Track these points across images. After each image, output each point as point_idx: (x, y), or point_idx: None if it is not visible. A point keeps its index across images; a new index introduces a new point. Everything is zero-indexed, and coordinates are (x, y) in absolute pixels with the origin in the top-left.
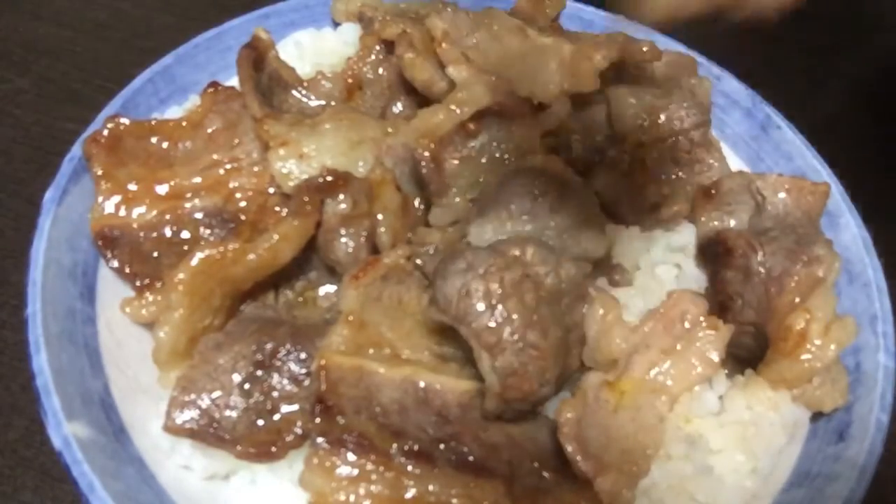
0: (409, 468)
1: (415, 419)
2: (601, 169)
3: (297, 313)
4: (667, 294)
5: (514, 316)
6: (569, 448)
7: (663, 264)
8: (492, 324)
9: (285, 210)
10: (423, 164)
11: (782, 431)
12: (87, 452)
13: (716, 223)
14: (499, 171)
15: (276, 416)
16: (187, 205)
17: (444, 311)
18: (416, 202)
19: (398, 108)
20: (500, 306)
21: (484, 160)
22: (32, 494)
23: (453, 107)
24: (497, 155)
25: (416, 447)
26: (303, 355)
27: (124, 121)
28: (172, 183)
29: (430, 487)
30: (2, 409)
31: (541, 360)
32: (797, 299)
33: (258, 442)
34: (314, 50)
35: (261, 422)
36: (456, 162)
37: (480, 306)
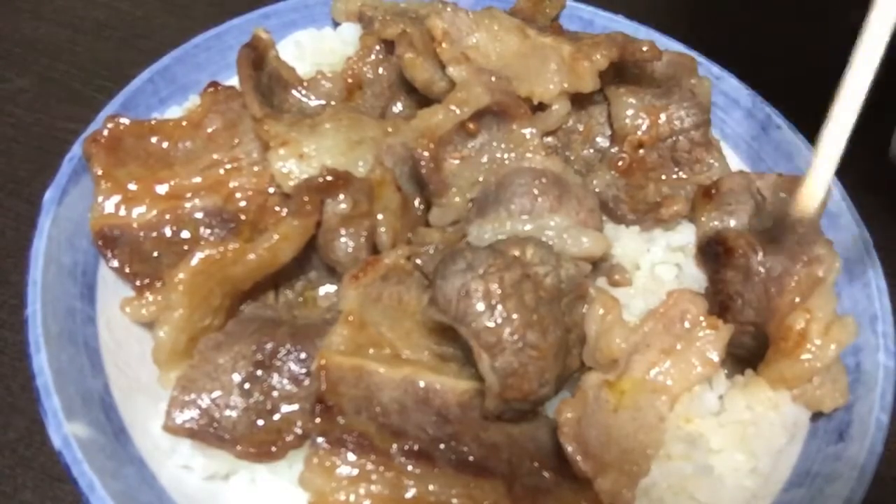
0: (410, 468)
1: (415, 419)
2: (601, 168)
3: (297, 313)
4: (667, 294)
5: (514, 316)
6: (569, 448)
7: (663, 264)
8: (491, 324)
9: (285, 210)
10: (423, 163)
11: (782, 431)
12: (87, 452)
13: (716, 223)
14: (499, 171)
15: (276, 416)
16: (187, 205)
17: (444, 311)
18: (416, 202)
19: (398, 108)
20: (499, 306)
21: (484, 160)
22: (32, 494)
23: (453, 107)
24: (497, 155)
25: (416, 447)
26: (303, 355)
27: (124, 121)
28: (172, 183)
29: (430, 487)
30: (2, 409)
31: (540, 360)
32: (797, 299)
33: (258, 442)
34: (314, 50)
35: (261, 422)
36: (456, 162)
37: (480, 306)
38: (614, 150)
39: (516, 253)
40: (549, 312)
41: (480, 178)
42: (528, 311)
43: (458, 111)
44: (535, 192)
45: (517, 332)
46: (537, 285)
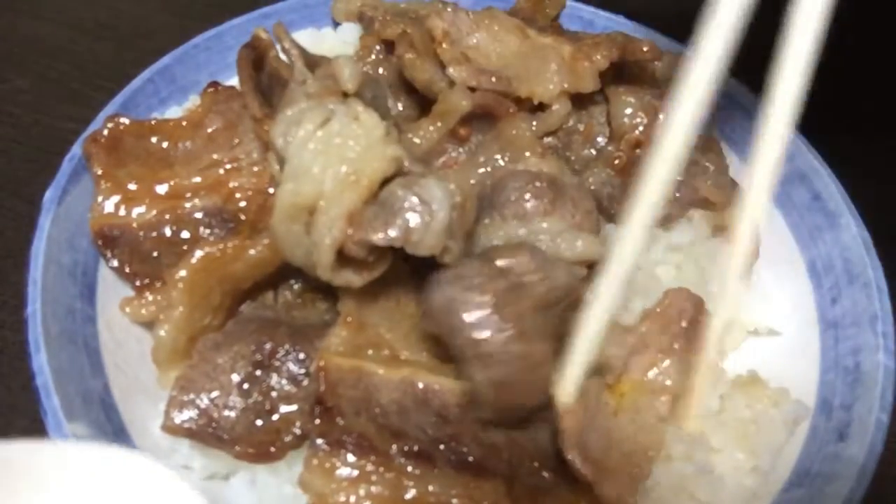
0: (409, 469)
1: (414, 420)
2: (597, 166)
3: (295, 314)
4: (663, 293)
5: (503, 326)
6: (570, 455)
7: (663, 264)
8: (480, 336)
9: None
10: None
11: (783, 428)
12: None
13: None
14: (494, 174)
15: (275, 417)
16: (187, 204)
17: (435, 325)
18: None
19: (398, 108)
20: (488, 318)
21: (482, 159)
22: None
23: (438, 123)
24: (492, 156)
25: (415, 448)
26: (301, 356)
27: (124, 120)
28: (172, 183)
29: (431, 488)
30: (2, 409)
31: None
32: None
33: (257, 442)
34: (314, 50)
35: (259, 422)
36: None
37: (468, 318)
38: (611, 147)
39: (506, 262)
40: (542, 320)
41: (472, 181)
42: (518, 320)
43: (439, 124)
44: (529, 195)
45: (507, 342)
46: (528, 294)
